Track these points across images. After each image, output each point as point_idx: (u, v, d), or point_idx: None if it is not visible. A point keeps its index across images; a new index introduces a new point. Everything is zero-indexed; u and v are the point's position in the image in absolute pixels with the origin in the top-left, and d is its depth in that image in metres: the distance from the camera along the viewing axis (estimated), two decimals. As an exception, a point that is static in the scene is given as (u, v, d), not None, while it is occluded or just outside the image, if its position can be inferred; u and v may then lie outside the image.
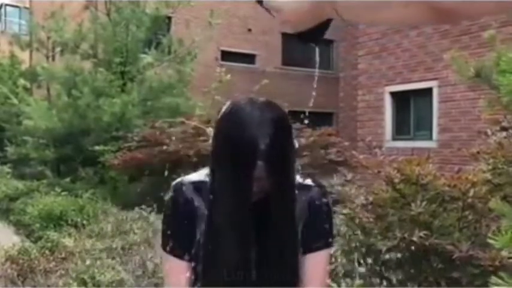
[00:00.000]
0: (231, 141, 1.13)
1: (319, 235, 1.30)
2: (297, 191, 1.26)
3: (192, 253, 1.27)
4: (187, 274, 1.28)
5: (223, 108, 1.20)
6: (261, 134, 1.11)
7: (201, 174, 1.30)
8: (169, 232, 1.31)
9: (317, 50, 0.99)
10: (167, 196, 1.31)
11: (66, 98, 9.74)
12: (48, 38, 11.49)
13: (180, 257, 1.28)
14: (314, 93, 1.13)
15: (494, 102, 3.04)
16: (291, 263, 1.25)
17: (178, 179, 1.32)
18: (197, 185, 1.29)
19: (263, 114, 1.14)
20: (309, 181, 1.33)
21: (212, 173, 1.21)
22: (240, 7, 17.38)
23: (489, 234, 1.38)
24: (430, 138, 10.68)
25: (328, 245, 1.33)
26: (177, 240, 1.29)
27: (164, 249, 1.31)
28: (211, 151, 1.21)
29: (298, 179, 1.30)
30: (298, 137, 7.27)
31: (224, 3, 15.61)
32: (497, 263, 2.44)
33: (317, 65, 1.12)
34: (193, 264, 1.28)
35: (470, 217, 3.00)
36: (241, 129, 1.12)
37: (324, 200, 1.32)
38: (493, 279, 1.31)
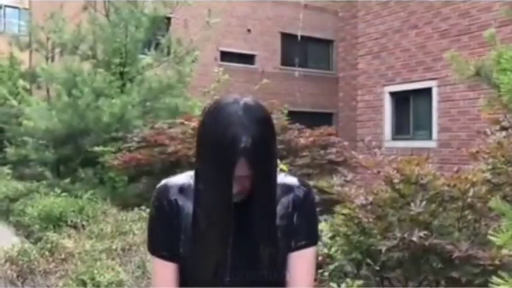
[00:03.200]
0: (213, 139, 1.14)
1: (304, 234, 1.30)
2: (280, 190, 1.26)
3: (178, 254, 1.27)
4: (174, 275, 1.28)
5: (207, 107, 1.21)
6: (243, 132, 1.11)
7: (187, 176, 1.31)
8: (154, 234, 1.32)
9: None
10: (152, 198, 1.32)
11: (66, 98, 9.73)
12: (48, 38, 11.49)
13: (166, 258, 1.28)
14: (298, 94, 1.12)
15: (494, 101, 3.04)
16: (272, 263, 1.24)
17: (163, 181, 1.32)
18: (182, 187, 1.29)
19: (246, 113, 1.14)
20: (293, 180, 1.33)
21: (196, 172, 1.22)
22: (239, 7, 17.39)
23: (490, 232, 1.37)
24: (430, 138, 10.68)
25: (314, 243, 1.32)
26: (162, 242, 1.29)
27: (150, 251, 1.32)
28: (195, 150, 1.22)
29: (283, 178, 1.30)
30: (297, 137, 7.27)
31: (223, 4, 15.61)
32: (497, 261, 2.44)
33: (297, 64, 1.11)
34: (180, 265, 1.28)
35: (469, 217, 3.01)
36: (224, 127, 1.12)
37: (308, 198, 1.31)
38: (494, 279, 1.30)
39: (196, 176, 1.21)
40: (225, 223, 1.18)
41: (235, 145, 1.11)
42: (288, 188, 1.30)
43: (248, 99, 1.19)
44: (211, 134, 1.15)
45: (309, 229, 1.31)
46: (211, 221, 1.18)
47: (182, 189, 1.28)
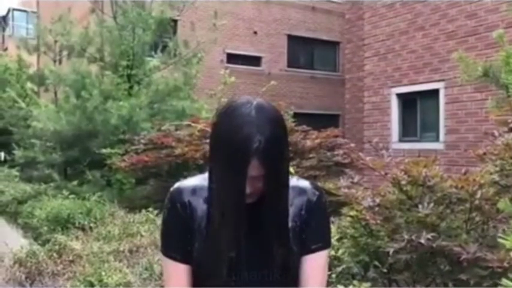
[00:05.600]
0: (226, 140, 1.15)
1: (317, 237, 1.31)
2: (293, 193, 1.27)
3: (190, 256, 1.28)
4: (187, 277, 1.29)
5: (220, 108, 1.22)
6: (256, 132, 1.13)
7: (200, 178, 1.33)
8: (167, 236, 1.33)
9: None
10: (165, 201, 1.33)
11: (75, 100, 9.78)
12: (55, 41, 11.58)
13: (179, 260, 1.29)
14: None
15: (502, 102, 3.03)
16: (285, 264, 1.25)
17: (176, 184, 1.34)
18: (195, 188, 1.30)
19: (259, 113, 1.16)
20: (306, 183, 1.34)
21: (210, 173, 1.23)
22: (245, 10, 17.42)
23: (498, 235, 1.37)
24: (437, 139, 10.63)
25: (327, 246, 1.33)
26: (175, 244, 1.30)
27: (163, 253, 1.33)
28: (209, 150, 1.23)
29: (296, 181, 1.32)
30: (304, 138, 7.26)
31: (229, 6, 15.65)
32: (505, 264, 2.42)
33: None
34: (193, 267, 1.29)
35: (477, 219, 2.99)
36: (236, 128, 1.14)
37: (321, 201, 1.32)
38: (504, 281, 1.30)
39: (210, 176, 1.23)
40: (238, 222, 1.19)
41: (248, 145, 1.12)
42: (301, 191, 1.31)
43: (261, 100, 1.20)
44: (224, 134, 1.16)
45: (322, 232, 1.32)
46: (225, 220, 1.19)
47: (195, 191, 1.30)
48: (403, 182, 3.02)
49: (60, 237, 5.59)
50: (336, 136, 7.79)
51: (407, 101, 11.40)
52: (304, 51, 18.93)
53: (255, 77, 16.75)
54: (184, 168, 7.10)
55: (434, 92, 10.61)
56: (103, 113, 9.30)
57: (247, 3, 17.43)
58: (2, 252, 5.41)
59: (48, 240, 5.85)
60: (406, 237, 2.77)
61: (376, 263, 3.10)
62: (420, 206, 2.86)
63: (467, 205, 2.91)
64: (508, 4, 7.56)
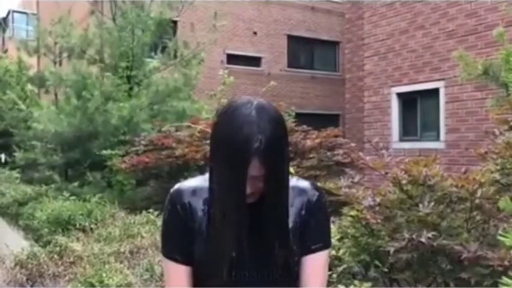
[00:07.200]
0: (227, 140, 1.15)
1: (318, 237, 1.31)
2: (293, 193, 1.28)
3: (191, 257, 1.28)
4: (188, 278, 1.30)
5: (220, 109, 1.23)
6: (256, 132, 1.13)
7: (200, 179, 1.33)
8: (167, 238, 1.33)
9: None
10: (165, 202, 1.33)
11: (76, 101, 9.78)
12: (55, 43, 11.58)
13: (179, 261, 1.29)
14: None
15: (502, 100, 3.03)
16: (285, 264, 1.25)
17: (176, 185, 1.34)
18: (195, 189, 1.31)
19: (259, 113, 1.16)
20: (306, 183, 1.34)
21: (210, 173, 1.23)
22: (245, 10, 17.42)
23: (499, 233, 1.37)
24: (437, 139, 10.63)
25: (327, 246, 1.33)
26: (176, 246, 1.30)
27: (164, 254, 1.33)
28: (209, 151, 1.23)
29: (296, 181, 1.32)
30: (304, 138, 7.26)
31: (229, 7, 15.65)
32: (506, 262, 2.42)
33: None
34: (193, 267, 1.29)
35: (478, 218, 2.99)
36: (237, 128, 1.14)
37: (321, 202, 1.33)
38: (504, 279, 1.30)
39: (211, 176, 1.23)
40: (239, 222, 1.19)
41: (248, 145, 1.12)
42: (301, 191, 1.31)
43: (261, 100, 1.21)
44: (224, 134, 1.16)
45: (322, 233, 1.33)
46: (226, 220, 1.19)
47: (195, 192, 1.30)
48: (404, 182, 3.02)
49: (61, 239, 5.59)
50: (336, 136, 7.78)
51: (408, 101, 11.40)
52: (304, 51, 18.93)
53: (255, 78, 16.75)
54: (185, 169, 7.10)
55: (435, 91, 10.61)
56: (103, 114, 9.30)
57: (247, 3, 17.43)
58: (3, 253, 5.41)
59: (49, 242, 5.85)
60: (406, 236, 2.77)
61: (377, 262, 3.10)
62: (421, 205, 2.87)
63: (468, 204, 2.91)
64: (507, 3, 7.56)
